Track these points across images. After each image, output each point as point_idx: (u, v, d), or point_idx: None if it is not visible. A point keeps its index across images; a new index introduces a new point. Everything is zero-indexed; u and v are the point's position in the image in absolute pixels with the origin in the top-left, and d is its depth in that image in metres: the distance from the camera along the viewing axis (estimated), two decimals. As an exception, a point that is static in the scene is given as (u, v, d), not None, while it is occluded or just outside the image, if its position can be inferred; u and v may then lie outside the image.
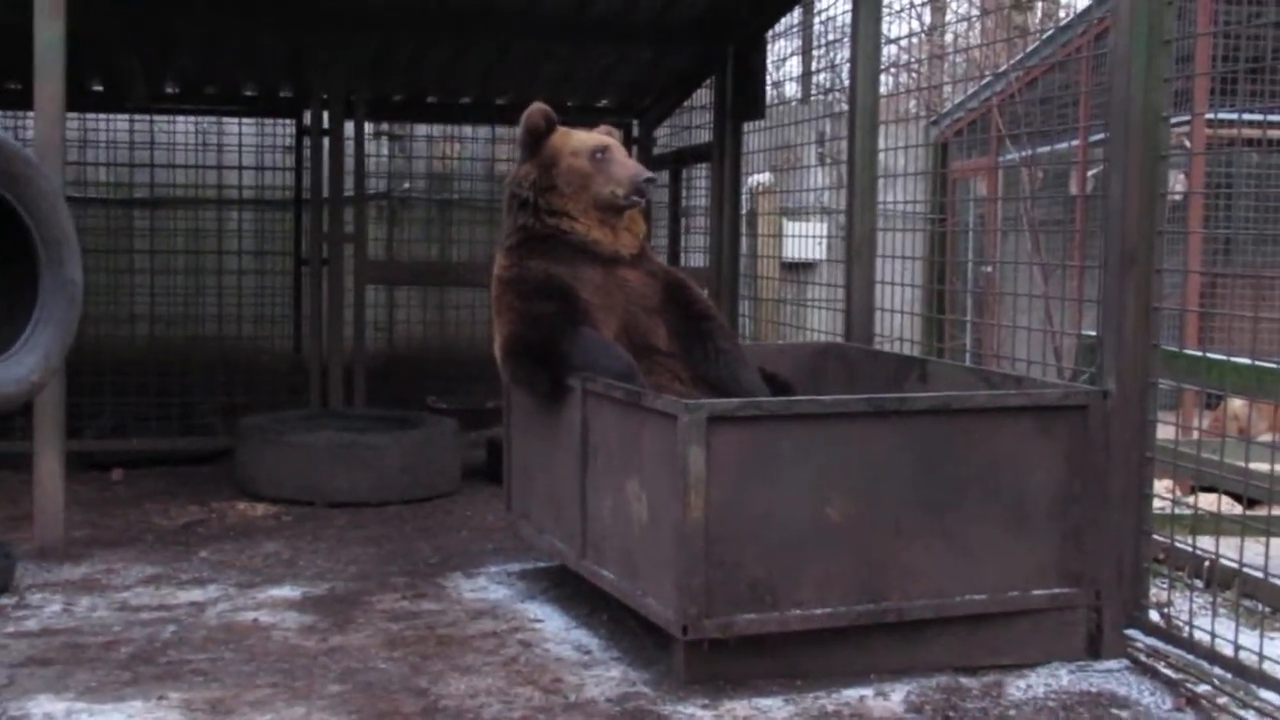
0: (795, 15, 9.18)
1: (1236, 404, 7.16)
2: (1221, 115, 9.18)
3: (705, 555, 4.17)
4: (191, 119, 9.88)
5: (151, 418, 8.63)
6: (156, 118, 9.66)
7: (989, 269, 10.42)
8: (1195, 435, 5.25)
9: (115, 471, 7.72)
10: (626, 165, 5.22)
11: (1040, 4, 16.30)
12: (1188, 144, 8.84)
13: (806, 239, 10.13)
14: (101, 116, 9.66)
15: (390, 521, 6.74)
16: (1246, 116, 9.03)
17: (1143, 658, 4.58)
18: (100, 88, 9.22)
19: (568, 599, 5.26)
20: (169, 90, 9.37)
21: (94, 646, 4.66)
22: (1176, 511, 5.59)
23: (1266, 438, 7.19)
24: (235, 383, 9.19)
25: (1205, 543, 4.90)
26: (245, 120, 9.93)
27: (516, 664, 4.52)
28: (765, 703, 4.15)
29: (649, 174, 5.23)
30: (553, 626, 4.95)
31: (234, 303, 9.96)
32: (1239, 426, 7.58)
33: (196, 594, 5.36)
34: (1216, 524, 4.82)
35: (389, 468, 7.09)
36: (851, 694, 4.23)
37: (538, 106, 5.28)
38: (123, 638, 4.76)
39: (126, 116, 9.61)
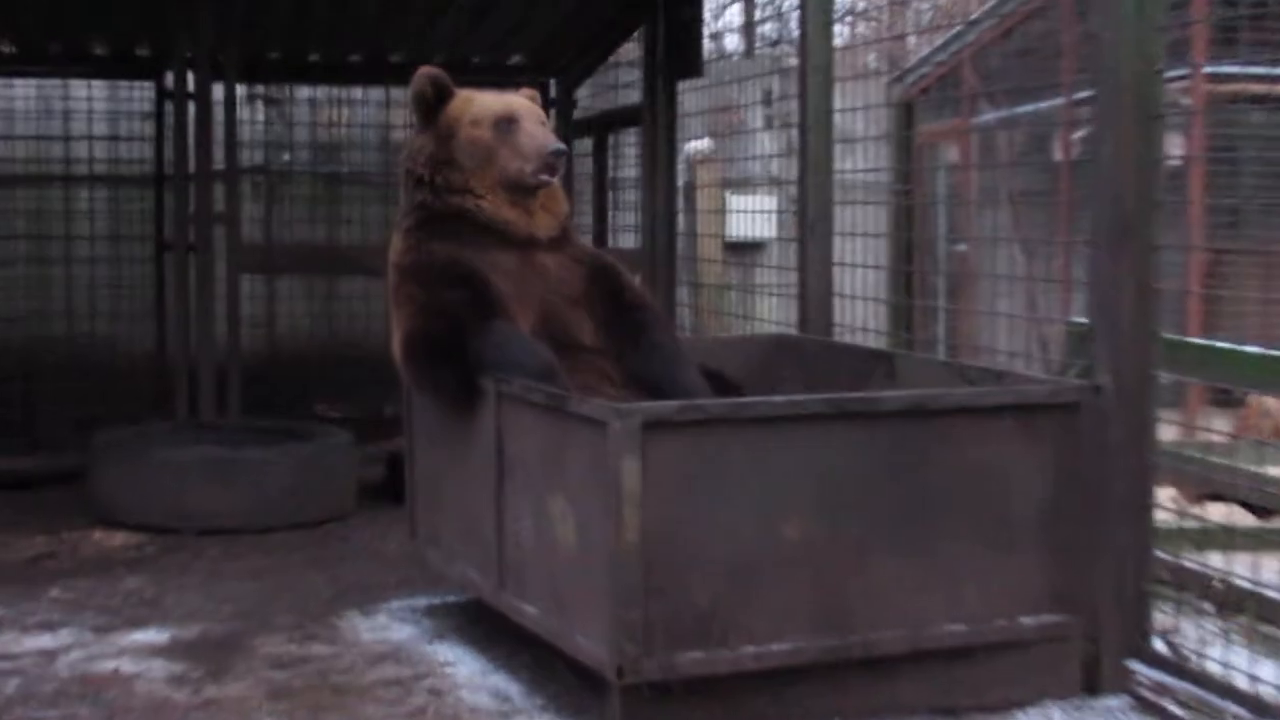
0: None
1: (1270, 401, 7.19)
2: (1222, 69, 9.28)
3: (643, 584, 4.15)
4: (33, 82, 9.75)
5: (-11, 433, 8.53)
6: (-9, 81, 9.54)
7: (963, 247, 10.50)
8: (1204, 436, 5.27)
9: (-52, 497, 7.62)
10: (535, 136, 5.16)
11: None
12: (1185, 101, 8.94)
13: (753, 215, 10.17)
14: (-74, 81, 9.53)
15: (274, 551, 6.70)
16: (1250, 70, 9.14)
17: (1147, 693, 4.61)
18: (-77, 48, 9.10)
19: (484, 638, 5.24)
20: (5, 50, 9.24)
21: (-77, 706, 4.59)
22: (1183, 524, 5.65)
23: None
24: (89, 390, 9.09)
25: (1215, 560, 4.94)
26: (96, 83, 9.81)
27: (424, 716, 4.49)
28: (715, 755, 4.15)
29: (559, 145, 5.17)
30: (466, 671, 4.93)
31: (85, 296, 9.84)
32: (1275, 425, 7.59)
33: (46, 640, 5.29)
34: (1228, 538, 4.86)
35: (271, 488, 7.06)
36: (814, 742, 4.24)
37: (425, 71, 5.24)
38: (-42, 694, 4.69)
39: (-45, 81, 9.50)
